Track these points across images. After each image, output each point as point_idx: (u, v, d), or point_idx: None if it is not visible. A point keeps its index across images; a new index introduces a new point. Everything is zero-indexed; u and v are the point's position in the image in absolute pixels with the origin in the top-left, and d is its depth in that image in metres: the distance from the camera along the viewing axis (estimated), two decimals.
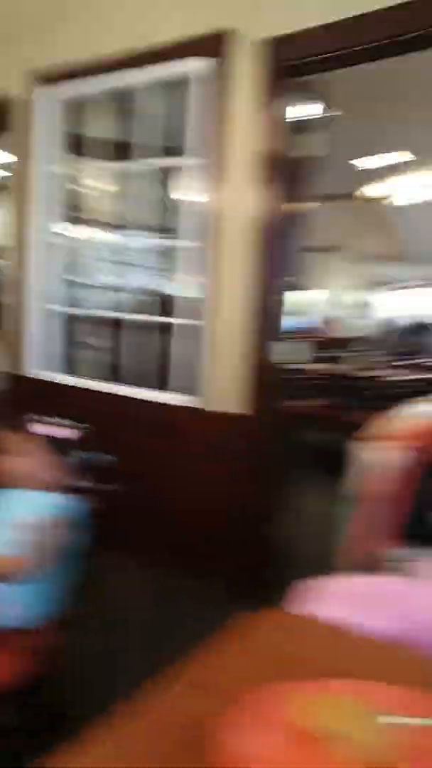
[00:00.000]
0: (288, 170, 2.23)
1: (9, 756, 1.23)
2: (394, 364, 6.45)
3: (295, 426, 5.18)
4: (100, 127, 2.78)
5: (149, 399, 2.63)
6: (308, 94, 2.26)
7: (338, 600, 0.97)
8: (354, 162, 7.53)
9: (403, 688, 0.63)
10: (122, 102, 2.77)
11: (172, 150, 2.53)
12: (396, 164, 6.25)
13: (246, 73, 2.19)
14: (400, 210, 10.51)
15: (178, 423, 2.55)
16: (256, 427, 2.33)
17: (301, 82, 2.23)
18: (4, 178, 3.10)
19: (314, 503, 2.53)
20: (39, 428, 1.32)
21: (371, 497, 1.34)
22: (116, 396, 2.73)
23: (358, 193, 5.66)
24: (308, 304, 12.10)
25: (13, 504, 1.29)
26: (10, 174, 2.99)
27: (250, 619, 0.80)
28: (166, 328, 2.63)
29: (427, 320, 10.82)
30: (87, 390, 2.82)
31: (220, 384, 2.41)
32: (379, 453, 1.37)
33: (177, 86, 2.43)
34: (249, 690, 0.63)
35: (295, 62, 2.11)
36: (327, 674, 0.68)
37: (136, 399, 2.67)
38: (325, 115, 3.66)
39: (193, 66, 2.31)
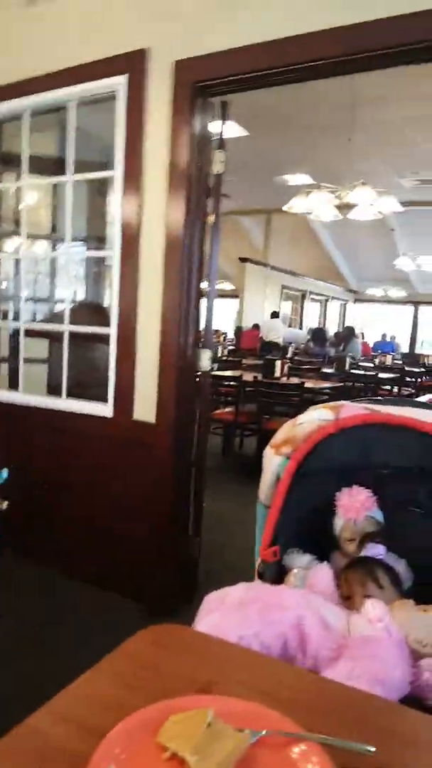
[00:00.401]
0: (201, 184, 2.28)
1: None
2: (324, 371, 6.67)
3: (224, 433, 5.24)
4: (34, 144, 2.79)
5: (70, 410, 2.59)
6: (217, 112, 2.31)
7: (226, 611, 0.97)
8: (276, 179, 7.83)
9: (267, 704, 0.64)
10: (54, 119, 2.76)
11: (103, 164, 2.53)
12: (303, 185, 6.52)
13: (161, 91, 2.25)
14: (323, 227, 10.94)
15: (97, 431, 2.52)
16: (174, 436, 2.33)
17: (211, 101, 2.29)
18: None
19: (238, 511, 2.56)
20: None
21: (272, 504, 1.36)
22: (50, 410, 2.68)
23: (285, 207, 5.86)
24: (233, 312, 12.28)
25: None
26: None
27: (137, 638, 0.79)
28: (104, 340, 2.58)
29: (349, 330, 11.26)
30: (19, 405, 2.76)
31: (143, 392, 2.40)
32: (268, 460, 1.40)
33: (102, 103, 2.44)
34: (124, 716, 0.62)
35: (205, 82, 2.19)
36: (201, 691, 0.68)
37: (61, 411, 2.63)
38: (235, 135, 3.75)
39: (111, 84, 2.35)
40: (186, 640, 0.85)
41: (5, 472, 1.35)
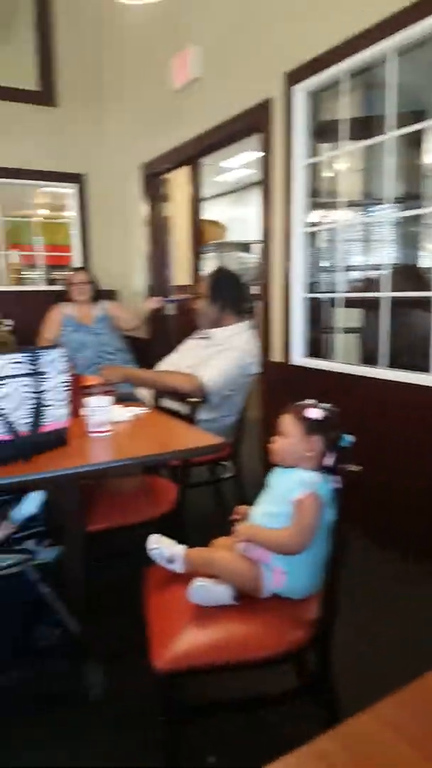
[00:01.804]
0: None
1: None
2: None
3: None
4: (345, 109, 2.67)
5: (407, 381, 2.41)
6: None
7: None
8: None
9: None
10: (365, 78, 2.67)
11: (421, 114, 2.39)
12: None
13: None
14: None
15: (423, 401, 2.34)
16: None
17: None
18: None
19: None
20: (298, 410, 1.39)
21: None
22: (371, 379, 2.57)
23: None
24: None
25: (280, 480, 1.40)
26: (261, 170, 3.06)
27: None
28: (422, 304, 2.42)
29: None
30: (342, 374, 2.71)
31: None
32: None
33: (419, 47, 2.30)
34: None
35: None
36: None
37: (392, 382, 2.47)
38: None
39: None
40: None
41: (348, 437, 1.33)
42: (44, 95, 4.84)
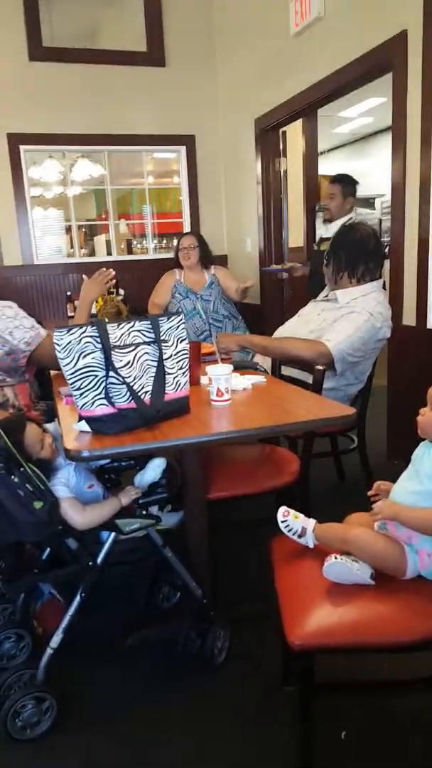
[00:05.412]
0: None
1: None
2: None
3: None
4: None
5: None
6: None
7: None
8: None
9: None
10: None
11: None
12: None
13: None
14: None
15: None
16: None
17: None
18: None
19: None
20: None
21: None
22: None
23: None
24: None
25: (427, 456, 1.25)
26: (393, 115, 2.77)
27: None
28: None
29: None
30: None
31: None
32: None
33: None
34: None
35: None
36: None
37: None
38: None
39: None
40: None
41: None
42: (152, 56, 4.71)
